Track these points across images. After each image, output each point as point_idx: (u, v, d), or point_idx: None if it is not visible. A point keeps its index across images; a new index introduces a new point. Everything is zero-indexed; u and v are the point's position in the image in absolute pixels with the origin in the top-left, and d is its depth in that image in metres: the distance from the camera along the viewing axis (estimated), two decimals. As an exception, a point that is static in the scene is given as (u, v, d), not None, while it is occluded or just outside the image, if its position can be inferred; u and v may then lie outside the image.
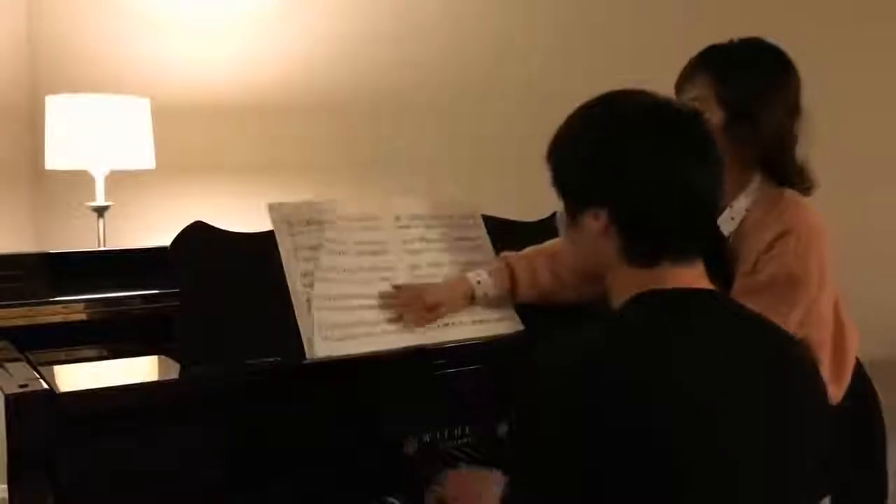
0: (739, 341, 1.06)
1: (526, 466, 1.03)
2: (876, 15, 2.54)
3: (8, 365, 1.32)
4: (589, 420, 0.95)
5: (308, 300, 1.43)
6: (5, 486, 1.15)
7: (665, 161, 1.06)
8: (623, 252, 1.08)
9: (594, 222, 1.09)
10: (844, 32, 2.73)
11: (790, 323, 1.52)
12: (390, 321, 1.49)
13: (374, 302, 1.49)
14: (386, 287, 1.52)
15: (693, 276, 1.09)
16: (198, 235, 1.43)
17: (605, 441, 0.95)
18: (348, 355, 1.42)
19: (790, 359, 1.10)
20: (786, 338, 1.13)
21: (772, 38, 1.69)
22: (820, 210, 1.63)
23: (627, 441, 0.95)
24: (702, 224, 1.11)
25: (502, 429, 1.51)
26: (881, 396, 1.79)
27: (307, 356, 1.40)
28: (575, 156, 1.12)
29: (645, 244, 1.07)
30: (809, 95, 1.75)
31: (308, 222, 1.48)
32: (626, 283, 1.09)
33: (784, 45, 1.69)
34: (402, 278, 1.54)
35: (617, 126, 1.09)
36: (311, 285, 1.44)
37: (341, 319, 1.44)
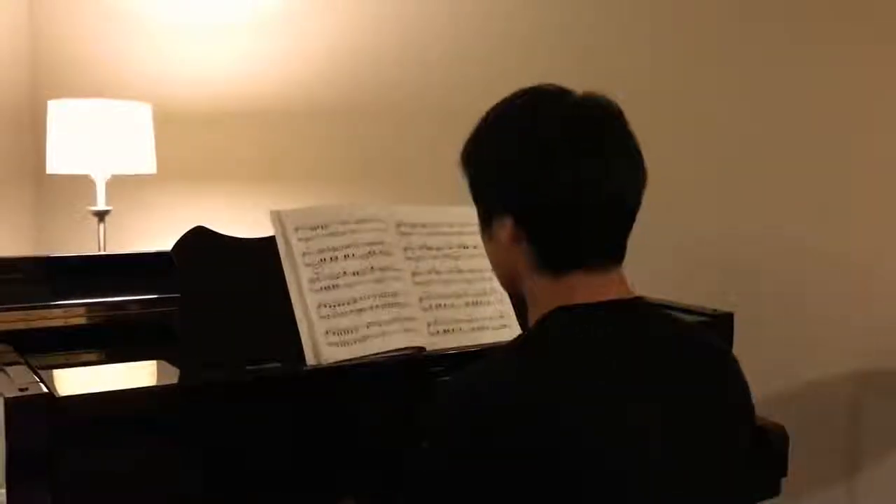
0: (657, 356, 1.02)
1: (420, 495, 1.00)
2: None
3: (8, 368, 1.32)
4: (483, 452, 0.94)
5: (311, 306, 1.43)
6: (4, 491, 1.15)
7: (571, 162, 1.01)
8: (533, 260, 1.05)
9: (503, 229, 1.06)
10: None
11: None
12: (393, 321, 1.48)
13: (380, 301, 1.48)
14: (393, 286, 1.51)
15: (608, 285, 1.05)
16: (199, 240, 1.43)
17: (500, 473, 0.92)
18: (349, 360, 1.42)
19: (713, 366, 1.07)
20: (709, 345, 1.10)
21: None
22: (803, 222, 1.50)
23: (526, 470, 0.92)
24: (616, 226, 1.06)
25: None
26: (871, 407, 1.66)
27: (311, 362, 1.39)
28: (483, 160, 1.10)
29: (554, 250, 1.04)
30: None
31: (310, 228, 1.48)
32: (540, 296, 1.06)
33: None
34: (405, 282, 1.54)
35: (524, 128, 1.06)
36: (314, 291, 1.44)
37: (347, 324, 1.44)
